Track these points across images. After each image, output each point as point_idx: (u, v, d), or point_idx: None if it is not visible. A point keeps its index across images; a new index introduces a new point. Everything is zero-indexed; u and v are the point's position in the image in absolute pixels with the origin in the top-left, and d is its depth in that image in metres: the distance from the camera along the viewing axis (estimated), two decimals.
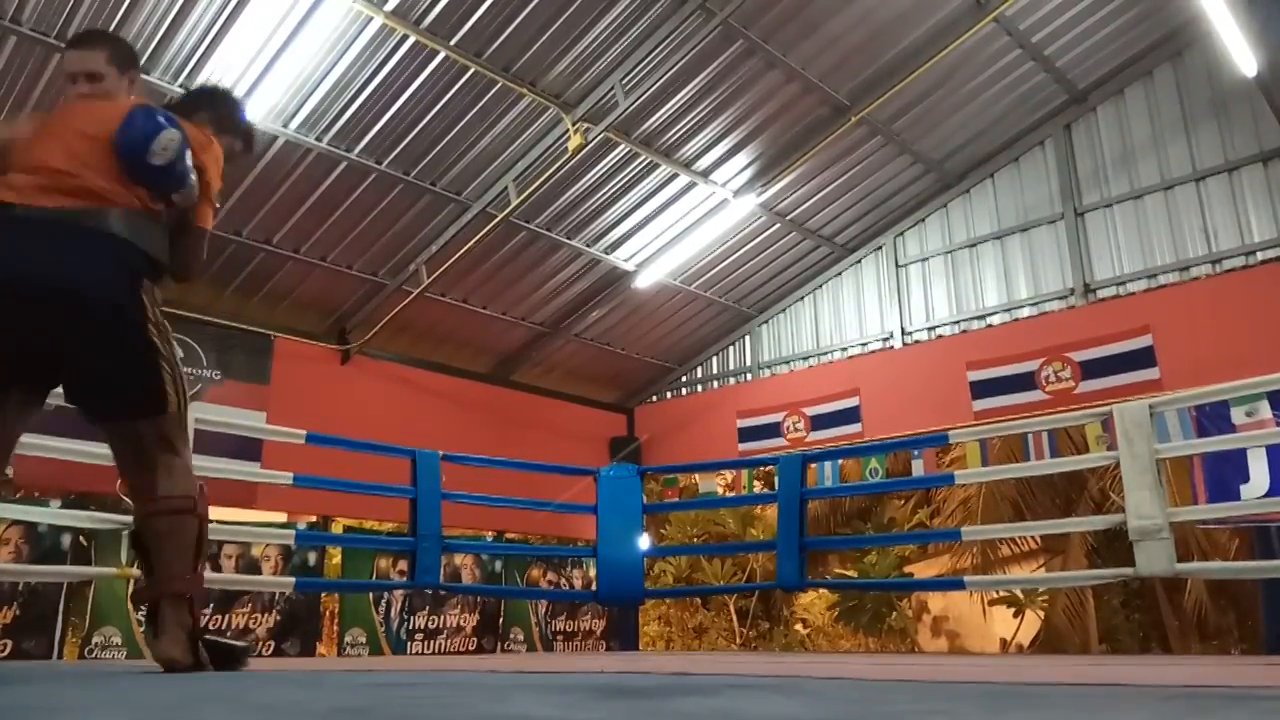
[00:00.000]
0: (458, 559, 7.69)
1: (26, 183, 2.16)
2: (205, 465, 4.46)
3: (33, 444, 4.80)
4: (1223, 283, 6.91)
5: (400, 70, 6.03)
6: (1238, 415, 5.63)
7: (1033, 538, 9.58)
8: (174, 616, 2.24)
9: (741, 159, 7.58)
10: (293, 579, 6.16)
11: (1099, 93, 7.69)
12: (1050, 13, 6.85)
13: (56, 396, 2.33)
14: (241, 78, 5.73)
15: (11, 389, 2.20)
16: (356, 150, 6.54)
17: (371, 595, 7.37)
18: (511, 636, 8.15)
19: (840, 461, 8.22)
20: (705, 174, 7.60)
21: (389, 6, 5.60)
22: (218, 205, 2.50)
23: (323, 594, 7.66)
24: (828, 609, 10.79)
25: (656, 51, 6.26)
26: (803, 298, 9.36)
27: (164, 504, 2.29)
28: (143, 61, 5.54)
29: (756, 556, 10.05)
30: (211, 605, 6.47)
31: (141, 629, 6.17)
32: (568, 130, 6.53)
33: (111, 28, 5.29)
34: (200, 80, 5.72)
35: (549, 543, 8.95)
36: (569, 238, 7.90)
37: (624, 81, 6.39)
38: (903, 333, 8.60)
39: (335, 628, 7.74)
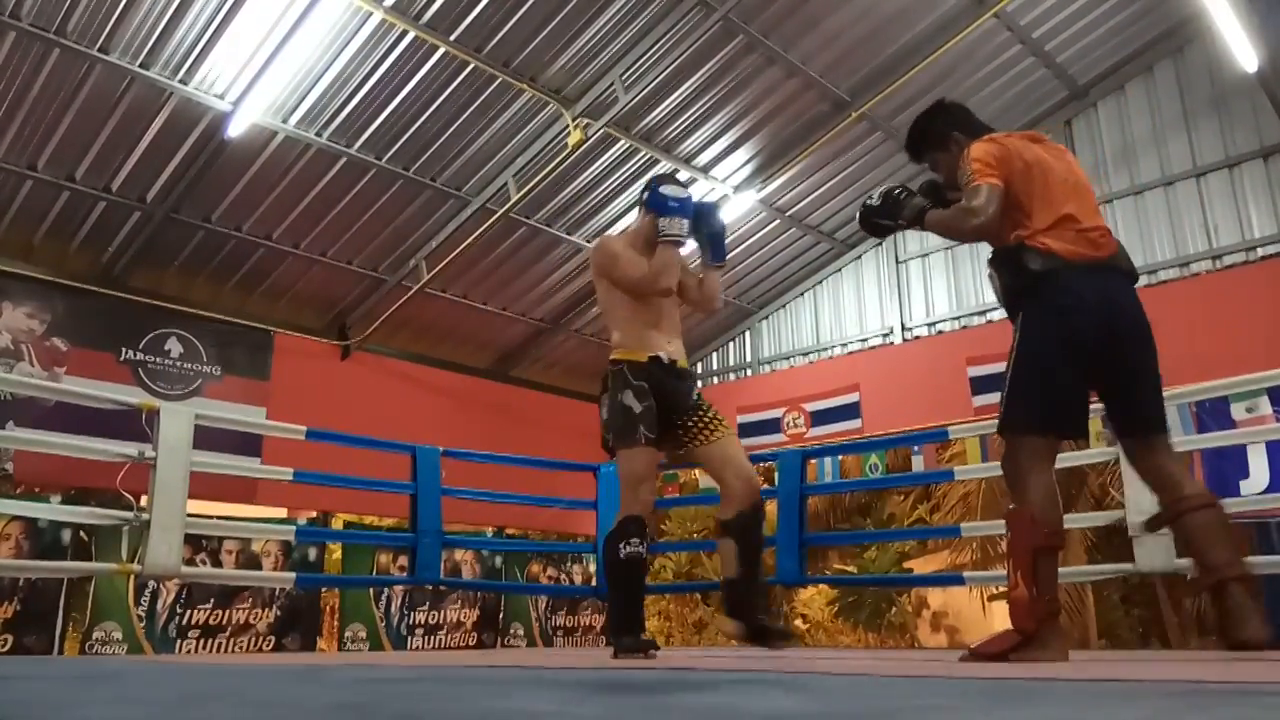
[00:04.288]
0: (458, 554, 7.70)
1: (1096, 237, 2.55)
2: (205, 461, 4.48)
3: (33, 440, 4.82)
4: (1223, 279, 6.91)
5: (400, 66, 6.02)
6: (1238, 411, 5.63)
7: None
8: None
9: (741, 155, 7.57)
10: (293, 574, 6.17)
11: (1100, 88, 7.68)
12: (1051, 8, 6.84)
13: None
14: (240, 74, 5.73)
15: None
16: (356, 146, 6.54)
17: (372, 591, 7.37)
18: (512, 632, 8.16)
19: (840, 457, 8.22)
20: (705, 169, 7.60)
21: (388, 2, 5.60)
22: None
23: (323, 589, 7.67)
24: (827, 604, 10.79)
25: (656, 47, 6.25)
26: (803, 293, 9.36)
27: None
28: (142, 57, 5.54)
29: None
30: (212, 600, 6.48)
31: (142, 625, 6.18)
32: (567, 126, 6.53)
33: (111, 23, 5.29)
34: (199, 76, 5.73)
35: (549, 538, 8.96)
36: (569, 233, 7.90)
37: (624, 77, 6.38)
38: (903, 329, 8.60)
39: (336, 623, 7.75)
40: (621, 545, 3.05)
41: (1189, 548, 2.54)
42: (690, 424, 3.20)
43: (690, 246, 3.33)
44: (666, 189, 3.19)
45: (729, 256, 9.05)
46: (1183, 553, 2.56)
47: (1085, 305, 2.49)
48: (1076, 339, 2.48)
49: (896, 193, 2.86)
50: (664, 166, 7.45)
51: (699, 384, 3.38)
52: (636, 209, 3.46)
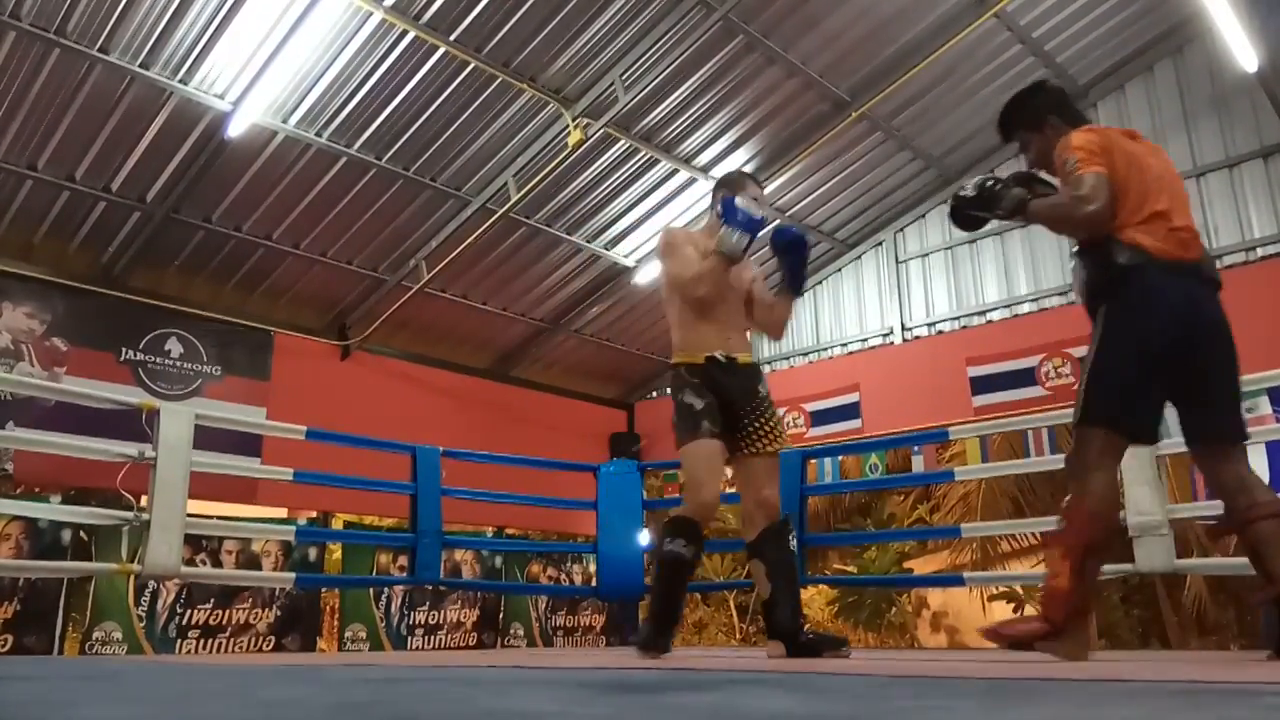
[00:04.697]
0: (458, 554, 7.70)
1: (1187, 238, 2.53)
2: (205, 461, 4.48)
3: (33, 440, 4.82)
4: (1222, 279, 6.90)
5: (400, 66, 6.02)
6: None
7: (1032, 533, 9.58)
8: None
9: (742, 155, 7.57)
10: (293, 574, 6.17)
11: (1099, 88, 7.68)
12: (1051, 8, 6.84)
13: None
14: (241, 73, 5.73)
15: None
16: (356, 146, 6.54)
17: (372, 591, 7.38)
18: (512, 632, 8.16)
19: (840, 457, 8.22)
20: (705, 170, 7.59)
21: (388, 2, 5.59)
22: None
23: (323, 589, 7.67)
24: (827, 604, 10.80)
25: (656, 47, 6.25)
26: (803, 293, 9.35)
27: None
28: (142, 57, 5.54)
29: None
30: (212, 600, 6.48)
31: (142, 625, 6.18)
32: (567, 126, 6.53)
33: (111, 23, 5.29)
34: (199, 76, 5.73)
35: (549, 538, 8.96)
36: (569, 233, 7.90)
37: (624, 77, 6.38)
38: (903, 328, 8.60)
39: (336, 623, 7.75)
40: (666, 542, 3.02)
41: (1254, 555, 2.44)
42: (748, 428, 3.15)
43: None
44: (741, 200, 3.05)
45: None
46: (1250, 560, 2.47)
47: (1168, 305, 2.44)
48: (1157, 339, 2.43)
49: (990, 183, 2.75)
50: (664, 167, 7.44)
51: (764, 383, 3.26)
52: (710, 199, 3.42)
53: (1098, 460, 2.48)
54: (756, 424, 3.15)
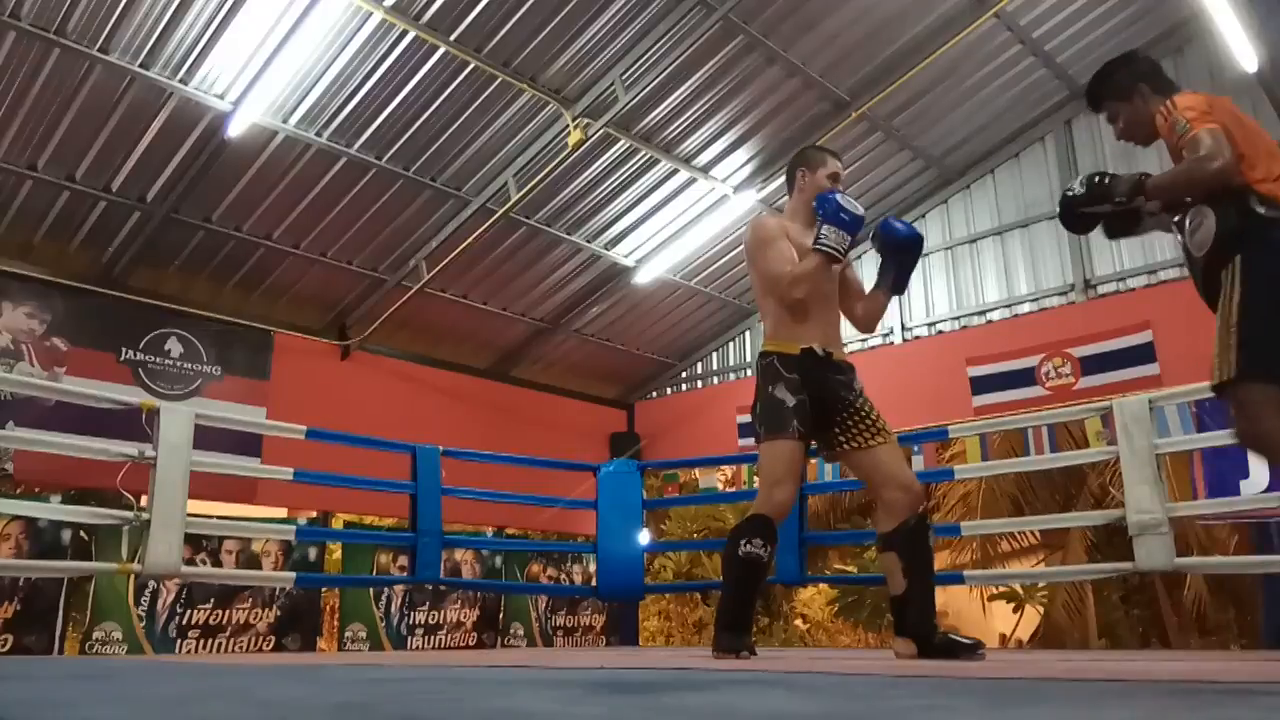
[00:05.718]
0: (458, 554, 7.70)
1: None
2: (205, 460, 4.48)
3: (33, 440, 4.82)
4: None
5: (400, 66, 6.02)
6: None
7: (1032, 533, 9.59)
8: None
9: (741, 154, 7.57)
10: (293, 574, 6.17)
11: None
12: (1051, 8, 6.84)
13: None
14: (241, 73, 5.73)
15: None
16: (356, 146, 6.54)
17: (372, 590, 7.38)
18: (512, 632, 8.16)
19: None
20: (705, 169, 7.59)
21: (388, 2, 5.59)
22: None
23: (323, 589, 7.67)
24: (827, 604, 10.81)
25: (656, 47, 6.25)
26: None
27: None
28: (142, 57, 5.54)
29: None
30: (212, 600, 6.49)
31: (142, 625, 6.18)
32: (567, 126, 6.53)
33: (111, 23, 5.29)
34: (199, 76, 5.73)
35: (549, 538, 8.96)
36: (569, 233, 7.90)
37: (624, 77, 6.38)
38: (903, 328, 8.59)
39: (336, 623, 7.76)
40: (743, 543, 2.93)
41: None
42: (848, 424, 3.03)
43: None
44: (843, 199, 3.02)
45: (728, 257, 8.99)
46: None
47: None
48: None
49: (1098, 177, 2.69)
50: (664, 167, 7.44)
51: (858, 379, 3.20)
52: (787, 182, 3.35)
53: (1279, 420, 2.37)
54: (856, 420, 3.04)
